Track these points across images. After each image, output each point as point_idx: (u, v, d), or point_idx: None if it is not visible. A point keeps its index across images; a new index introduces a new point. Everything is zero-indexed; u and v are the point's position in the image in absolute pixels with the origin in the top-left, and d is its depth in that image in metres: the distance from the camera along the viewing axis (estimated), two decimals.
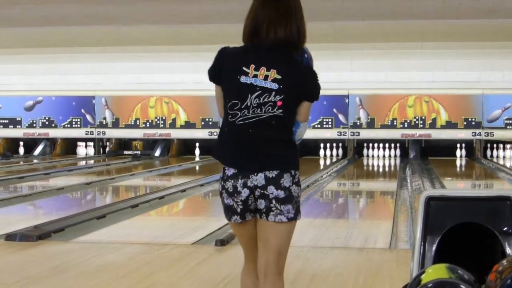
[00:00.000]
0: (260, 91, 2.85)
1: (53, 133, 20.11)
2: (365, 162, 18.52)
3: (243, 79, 2.87)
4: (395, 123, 18.82)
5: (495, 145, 18.90)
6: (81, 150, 20.34)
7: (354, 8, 11.91)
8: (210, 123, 19.34)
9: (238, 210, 2.95)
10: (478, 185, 13.28)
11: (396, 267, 5.24)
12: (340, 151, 19.20)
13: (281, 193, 2.89)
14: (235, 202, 2.94)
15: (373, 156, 19.20)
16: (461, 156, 19.06)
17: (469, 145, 19.04)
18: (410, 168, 15.37)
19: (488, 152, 18.85)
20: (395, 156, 19.08)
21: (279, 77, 2.86)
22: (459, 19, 12.67)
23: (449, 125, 18.64)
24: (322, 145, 19.24)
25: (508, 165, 16.67)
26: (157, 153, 19.60)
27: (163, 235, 6.91)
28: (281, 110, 2.87)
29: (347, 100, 18.93)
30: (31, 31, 14.48)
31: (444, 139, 18.78)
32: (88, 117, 19.89)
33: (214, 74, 2.96)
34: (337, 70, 18.24)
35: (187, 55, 17.60)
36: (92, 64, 18.98)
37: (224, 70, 2.92)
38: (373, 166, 17.76)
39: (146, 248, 6.00)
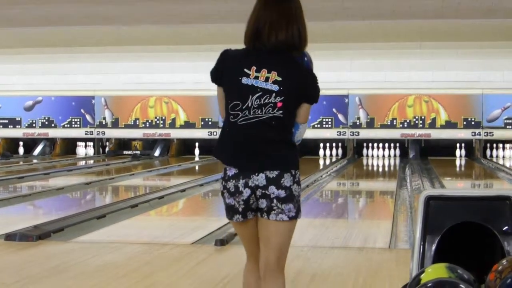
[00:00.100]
0: (261, 93, 2.90)
1: (52, 133, 20.11)
2: (364, 162, 18.53)
3: (244, 80, 2.92)
4: (394, 123, 18.83)
5: (494, 145, 18.91)
6: (81, 150, 20.34)
7: (353, 8, 11.91)
8: (210, 123, 19.34)
9: (240, 209, 2.98)
10: (477, 185, 13.29)
11: (395, 266, 5.24)
12: (340, 151, 19.21)
13: (282, 193, 2.93)
14: (237, 201, 2.97)
15: (372, 156, 19.21)
16: (460, 156, 19.07)
17: (468, 145, 19.05)
18: (410, 168, 15.38)
19: (488, 152, 18.85)
20: (395, 156, 19.08)
21: (279, 79, 2.90)
22: (458, 19, 12.68)
23: (449, 125, 18.65)
24: (321, 145, 19.25)
25: (507, 164, 16.67)
26: (157, 153, 19.61)
27: (162, 235, 6.91)
28: (281, 111, 2.91)
29: (346, 100, 18.93)
30: (31, 31, 14.49)
31: (444, 139, 18.78)
32: (88, 117, 19.89)
33: (216, 75, 3.01)
34: (337, 70, 18.24)
35: (187, 55, 17.60)
36: (92, 64, 18.98)
37: (226, 71, 2.97)
38: (372, 166, 17.77)
39: (145, 248, 6.00)
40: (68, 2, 11.72)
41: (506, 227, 3.20)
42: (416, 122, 18.75)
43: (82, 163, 17.97)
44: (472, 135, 18.62)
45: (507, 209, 3.22)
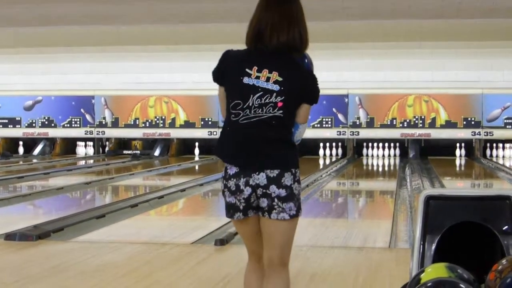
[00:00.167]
0: (261, 92, 2.95)
1: (52, 132, 20.11)
2: (364, 161, 18.53)
3: (245, 80, 2.96)
4: (394, 123, 18.83)
5: (494, 145, 18.91)
6: (81, 149, 20.35)
7: (353, 8, 11.91)
8: (210, 122, 19.34)
9: (241, 207, 3.01)
10: (477, 185, 13.28)
11: (395, 266, 5.24)
12: (340, 150, 19.21)
13: (282, 192, 2.96)
14: (238, 200, 3.01)
15: (372, 155, 19.21)
16: (460, 156, 19.07)
17: (468, 145, 19.05)
18: (410, 167, 15.38)
19: (488, 152, 18.85)
20: (395, 155, 19.08)
21: (280, 79, 2.95)
22: (458, 19, 12.67)
23: (449, 124, 18.65)
24: (321, 144, 19.25)
25: (507, 164, 16.67)
26: (157, 152, 19.61)
27: (162, 235, 6.91)
28: (281, 111, 2.95)
29: (346, 100, 18.93)
30: (31, 30, 14.49)
31: (444, 139, 18.79)
32: (88, 116, 19.89)
33: (218, 75, 3.06)
34: (337, 70, 18.24)
35: (187, 55, 17.60)
36: (92, 63, 18.98)
37: (227, 71, 3.02)
38: (372, 165, 17.77)
39: (145, 248, 6.00)
40: (68, 1, 11.72)
41: (506, 227, 3.19)
42: (416, 121, 18.75)
43: (82, 162, 17.97)
44: (472, 135, 18.63)
45: (507, 209, 3.22)
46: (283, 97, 2.94)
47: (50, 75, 19.52)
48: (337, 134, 18.95)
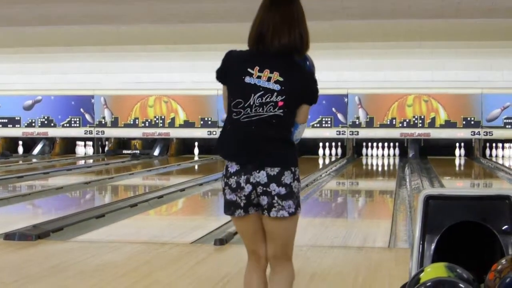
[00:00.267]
0: (262, 91, 3.01)
1: (52, 132, 20.11)
2: (364, 161, 18.53)
3: (247, 79, 3.02)
4: (394, 123, 18.83)
5: (494, 145, 18.91)
6: (80, 149, 20.35)
7: (353, 8, 11.90)
8: (209, 122, 19.34)
9: (242, 204, 3.06)
10: (477, 184, 13.28)
11: (395, 266, 5.24)
12: (339, 150, 19.21)
13: (282, 190, 3.01)
14: (239, 197, 3.05)
15: (372, 155, 19.21)
16: (460, 155, 19.07)
17: (468, 144, 19.05)
18: (409, 167, 15.38)
19: (487, 151, 18.86)
20: (394, 155, 19.09)
21: (281, 79, 3.01)
22: (458, 18, 12.67)
23: (448, 124, 18.65)
24: (321, 144, 19.25)
25: (507, 164, 16.67)
26: (156, 152, 19.61)
27: (162, 234, 6.91)
28: (281, 110, 3.01)
29: (346, 99, 18.93)
30: (30, 30, 14.48)
31: (443, 138, 18.79)
32: (87, 116, 19.89)
33: (221, 74, 3.12)
34: (336, 70, 18.24)
35: (186, 55, 17.61)
36: (91, 63, 18.98)
37: (230, 70, 3.08)
38: (372, 165, 17.77)
39: (145, 247, 6.00)
40: (68, 1, 11.71)
41: (506, 227, 3.20)
42: (416, 121, 18.76)
43: (82, 162, 17.97)
44: (471, 135, 18.63)
45: (507, 209, 3.22)
46: (283, 97, 2.99)
47: (50, 74, 19.52)
48: (337, 134, 18.96)
